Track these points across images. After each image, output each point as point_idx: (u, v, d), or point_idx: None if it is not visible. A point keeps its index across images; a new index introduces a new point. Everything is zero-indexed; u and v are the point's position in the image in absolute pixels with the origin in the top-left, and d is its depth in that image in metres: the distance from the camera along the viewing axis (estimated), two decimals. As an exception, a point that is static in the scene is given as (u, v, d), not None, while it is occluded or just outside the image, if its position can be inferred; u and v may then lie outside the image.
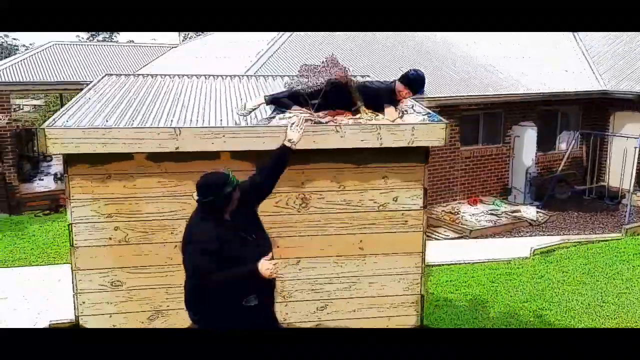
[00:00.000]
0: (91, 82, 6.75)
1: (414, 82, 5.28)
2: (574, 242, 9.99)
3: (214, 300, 3.90)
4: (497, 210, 13.08)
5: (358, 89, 5.28)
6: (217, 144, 4.87)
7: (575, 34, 17.77)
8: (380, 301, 5.50)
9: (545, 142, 14.62)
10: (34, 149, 15.58)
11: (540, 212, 12.98)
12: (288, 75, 5.96)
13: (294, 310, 5.40)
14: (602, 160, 15.05)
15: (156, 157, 4.96)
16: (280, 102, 5.41)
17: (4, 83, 13.98)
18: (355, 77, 5.57)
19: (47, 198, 13.84)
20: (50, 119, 5.03)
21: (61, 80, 14.67)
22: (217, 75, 7.27)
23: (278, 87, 6.31)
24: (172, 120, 5.16)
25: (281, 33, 13.60)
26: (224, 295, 3.90)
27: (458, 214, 12.86)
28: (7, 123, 13.81)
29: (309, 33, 13.67)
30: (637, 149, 12.96)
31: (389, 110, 5.25)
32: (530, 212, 12.84)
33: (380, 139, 5.05)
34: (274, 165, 4.38)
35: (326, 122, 5.06)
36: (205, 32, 18.61)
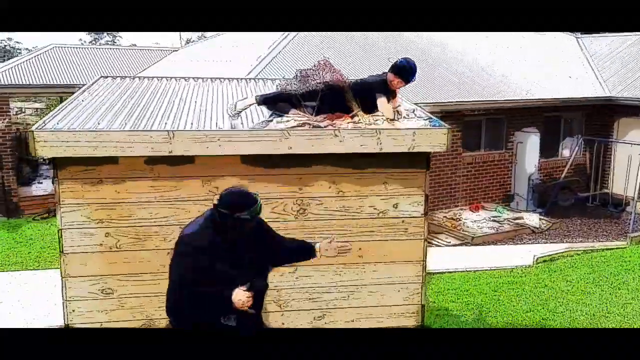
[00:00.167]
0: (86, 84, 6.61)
1: (404, 70, 5.17)
2: (578, 250, 9.81)
3: (194, 313, 3.76)
4: (500, 217, 12.92)
5: (352, 88, 5.14)
6: (212, 148, 4.72)
7: (580, 39, 17.66)
8: (379, 311, 5.34)
9: (548, 149, 14.47)
10: (33, 152, 15.40)
11: (543, 219, 12.82)
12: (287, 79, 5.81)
13: (290, 320, 5.23)
14: (606, 167, 14.88)
15: (149, 161, 4.81)
16: (271, 103, 5.29)
17: (3, 86, 13.86)
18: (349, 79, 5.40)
19: (45, 201, 13.71)
20: (41, 121, 4.88)
21: (62, 84, 14.55)
22: (215, 78, 7.13)
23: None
24: (166, 124, 5.01)
25: (282, 37, 13.51)
26: (204, 310, 3.76)
27: (460, 220, 12.71)
28: (6, 126, 13.70)
29: (309, 37, 13.56)
30: (642, 156, 12.82)
31: (381, 101, 5.14)
32: (532, 219, 12.68)
33: (380, 144, 4.89)
34: (293, 257, 4.37)
35: (325, 127, 4.91)
36: (207, 36, 18.56)
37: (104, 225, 4.91)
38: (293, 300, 5.20)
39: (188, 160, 4.78)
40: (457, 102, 12.76)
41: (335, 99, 5.07)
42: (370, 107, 5.18)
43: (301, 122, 4.92)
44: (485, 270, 8.83)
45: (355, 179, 5.13)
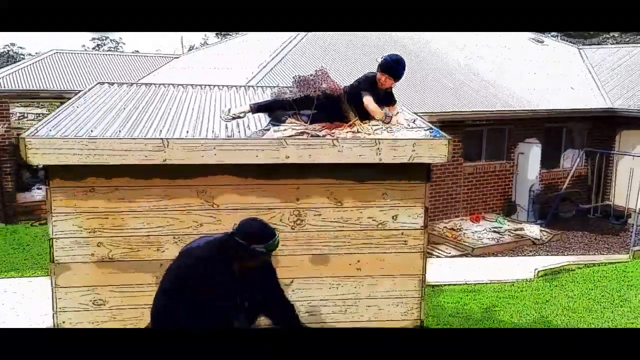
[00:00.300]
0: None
1: (388, 66, 5.09)
2: (579, 264, 9.68)
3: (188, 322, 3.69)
4: (500, 227, 12.81)
5: (346, 96, 5.04)
6: (208, 157, 4.61)
7: (582, 50, 17.60)
8: (377, 326, 5.21)
9: (549, 160, 14.39)
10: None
11: (544, 230, 12.71)
12: (282, 87, 5.72)
13: (286, 334, 5.11)
14: (608, 179, 14.79)
15: (143, 170, 4.69)
16: (265, 110, 5.22)
17: (3, 91, 13.80)
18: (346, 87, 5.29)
19: (44, 207, 13.59)
20: (33, 128, 4.77)
21: (63, 89, 14.48)
22: (214, 86, 7.02)
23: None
24: (160, 131, 4.90)
25: (284, 45, 13.45)
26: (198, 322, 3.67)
27: (460, 231, 12.60)
28: (5, 131, 13.62)
29: (311, 45, 13.50)
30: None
31: (367, 99, 5.05)
32: (533, 230, 12.57)
33: (380, 154, 4.78)
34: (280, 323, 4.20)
35: (323, 136, 4.80)
36: (210, 42, 18.53)
37: (96, 234, 4.80)
38: (298, 314, 5.07)
39: (183, 169, 4.67)
40: (458, 112, 12.68)
41: (331, 108, 4.97)
42: (365, 112, 5.08)
43: (299, 131, 4.82)
44: (486, 283, 8.70)
45: (353, 190, 5.02)
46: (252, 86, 7.68)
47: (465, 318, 7.21)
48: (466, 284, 8.69)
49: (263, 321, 4.24)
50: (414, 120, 5.39)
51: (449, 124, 12.41)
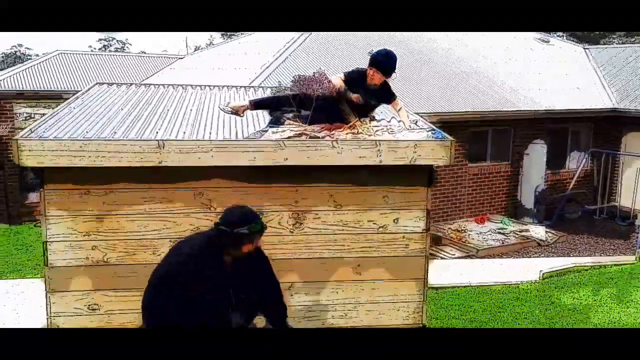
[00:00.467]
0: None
1: (377, 60, 4.91)
2: (585, 266, 9.54)
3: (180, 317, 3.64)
4: (505, 229, 12.68)
5: (345, 93, 4.94)
6: (205, 159, 4.52)
7: (588, 50, 17.45)
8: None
9: (555, 160, 14.23)
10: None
11: (549, 232, 12.57)
12: (282, 86, 5.62)
13: (285, 339, 5.01)
14: (614, 180, 14.63)
15: (138, 172, 4.60)
16: (264, 107, 5.15)
17: (4, 91, 13.75)
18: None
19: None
20: (27, 129, 4.69)
21: (66, 90, 14.42)
22: (213, 86, 6.93)
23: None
24: (157, 133, 4.81)
25: (287, 45, 13.36)
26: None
27: (465, 232, 12.47)
28: (9, 131, 13.55)
29: (314, 46, 13.40)
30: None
31: (354, 97, 4.95)
32: (539, 231, 12.43)
33: (380, 156, 4.68)
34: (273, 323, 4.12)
35: (322, 137, 4.70)
36: (215, 43, 18.49)
37: (90, 238, 4.72)
38: (288, 318, 4.96)
39: (179, 171, 4.57)
40: (462, 112, 12.53)
41: (330, 108, 4.87)
42: (367, 111, 5.00)
43: (298, 132, 4.72)
44: (490, 285, 8.58)
45: (354, 192, 4.92)
46: (253, 87, 7.59)
47: (469, 320, 7.10)
48: (470, 285, 8.56)
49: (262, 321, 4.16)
50: (416, 122, 5.28)
51: (453, 125, 12.34)
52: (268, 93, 6.39)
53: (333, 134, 4.79)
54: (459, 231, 12.46)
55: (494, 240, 12.11)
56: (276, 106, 5.06)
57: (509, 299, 7.84)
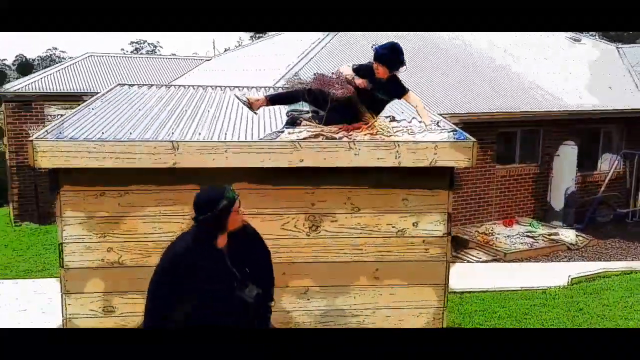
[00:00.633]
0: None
1: (379, 54, 4.82)
2: (616, 271, 9.27)
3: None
4: (534, 232, 12.41)
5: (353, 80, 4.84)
6: (219, 160, 4.45)
7: (620, 49, 17.04)
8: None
9: (586, 162, 13.91)
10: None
11: (579, 235, 12.27)
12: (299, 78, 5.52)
13: (301, 344, 4.91)
14: (647, 182, 14.27)
15: (153, 173, 4.56)
16: (280, 102, 5.08)
17: (36, 93, 13.95)
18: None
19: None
20: (43, 130, 4.68)
21: (96, 91, 14.52)
22: (233, 87, 6.88)
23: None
24: (172, 133, 4.76)
25: (312, 46, 13.29)
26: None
27: (492, 235, 12.24)
28: (41, 132, 13.71)
29: (339, 46, 13.30)
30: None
31: (360, 82, 4.86)
32: (569, 235, 12.14)
33: (399, 157, 4.56)
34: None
35: (339, 138, 4.59)
36: (244, 44, 18.52)
37: (106, 239, 4.69)
38: (304, 324, 4.88)
39: (194, 172, 4.51)
40: (490, 112, 12.31)
41: (346, 109, 4.76)
42: (377, 105, 4.91)
43: (314, 133, 4.62)
44: (517, 290, 8.38)
45: (372, 195, 4.80)
46: (273, 87, 7.52)
47: (493, 327, 6.93)
48: (495, 290, 8.37)
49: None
50: (438, 122, 5.14)
51: (481, 126, 12.14)
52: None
53: (351, 135, 4.69)
54: (486, 234, 12.24)
55: (522, 243, 11.86)
56: (291, 101, 4.96)
57: (535, 305, 7.64)
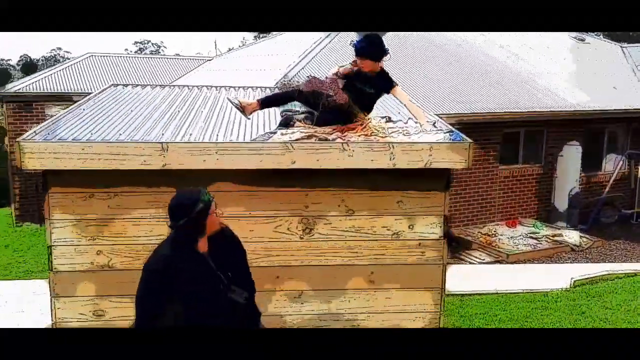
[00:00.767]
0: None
1: (358, 49, 4.77)
2: (620, 273, 9.14)
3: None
4: (537, 233, 12.28)
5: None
6: (209, 162, 4.36)
7: (625, 49, 16.91)
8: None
9: (590, 162, 13.75)
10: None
11: (583, 236, 12.13)
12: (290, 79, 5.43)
13: (295, 349, 4.82)
14: (653, 183, 14.11)
15: (143, 175, 4.47)
16: (273, 104, 4.97)
17: (37, 93, 13.92)
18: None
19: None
20: (31, 131, 4.60)
21: (94, 92, 14.47)
22: (229, 87, 6.79)
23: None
24: (163, 135, 4.67)
25: (313, 46, 13.19)
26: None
27: (495, 236, 12.12)
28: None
29: (339, 46, 13.20)
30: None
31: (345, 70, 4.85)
32: (572, 236, 12.00)
33: (393, 159, 4.46)
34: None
35: (332, 139, 4.50)
36: (248, 43, 18.44)
37: (95, 242, 4.61)
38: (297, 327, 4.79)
39: (184, 174, 4.41)
40: (493, 112, 12.19)
41: (340, 110, 4.67)
42: (366, 100, 4.82)
43: (307, 134, 4.53)
44: (518, 293, 8.26)
45: (367, 197, 4.70)
46: (269, 87, 7.41)
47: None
48: (497, 293, 8.26)
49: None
50: (434, 123, 5.04)
51: (484, 126, 12.03)
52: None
53: (345, 136, 4.60)
54: (489, 235, 12.12)
55: (525, 245, 11.74)
56: (284, 102, 4.87)
57: (536, 308, 7.52)
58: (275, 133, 4.62)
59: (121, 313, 4.68)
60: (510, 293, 8.27)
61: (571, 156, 13.09)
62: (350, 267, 4.77)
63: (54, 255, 4.60)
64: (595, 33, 19.37)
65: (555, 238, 12.03)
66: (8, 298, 8.26)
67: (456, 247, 11.42)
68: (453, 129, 4.85)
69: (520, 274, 9.73)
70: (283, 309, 4.75)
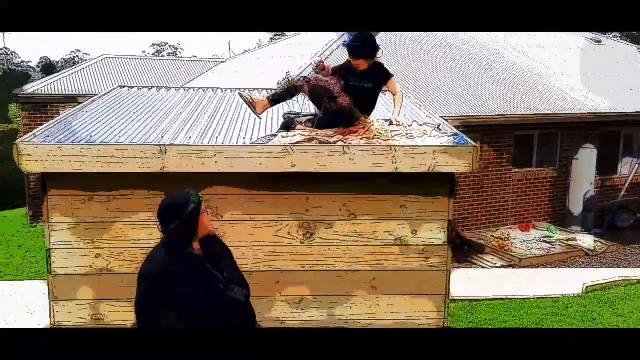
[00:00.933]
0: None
1: (352, 48, 4.72)
2: (633, 279, 8.95)
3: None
4: (551, 237, 12.10)
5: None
6: (208, 165, 4.30)
7: (642, 50, 16.66)
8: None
9: (605, 166, 13.53)
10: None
11: (598, 241, 11.93)
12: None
13: (296, 355, 4.74)
14: (670, 187, 13.86)
15: (142, 178, 4.42)
16: (281, 100, 4.90)
17: (51, 95, 13.99)
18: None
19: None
20: (31, 134, 4.57)
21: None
22: (235, 89, 6.73)
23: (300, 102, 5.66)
24: (162, 137, 4.62)
25: (325, 48, 13.11)
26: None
27: (508, 240, 11.96)
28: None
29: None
30: None
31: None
32: (587, 240, 11.80)
33: (396, 162, 4.37)
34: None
35: (333, 142, 4.42)
36: (263, 45, 18.41)
37: (94, 245, 4.56)
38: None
39: (183, 177, 4.36)
40: (506, 115, 12.03)
41: (341, 112, 4.59)
42: (367, 97, 4.77)
43: (308, 137, 4.45)
44: (529, 298, 8.12)
45: (369, 201, 4.62)
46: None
47: (502, 338, 6.69)
48: (508, 299, 8.12)
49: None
50: (439, 126, 4.94)
51: (497, 128, 11.88)
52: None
53: (347, 139, 4.51)
54: (502, 239, 11.96)
55: (538, 249, 11.57)
56: (290, 96, 4.83)
57: (547, 315, 7.38)
58: (275, 136, 4.55)
59: (120, 317, 4.63)
60: (521, 299, 8.13)
61: (586, 159, 12.87)
62: (352, 272, 4.68)
63: (53, 259, 4.56)
64: (612, 34, 19.11)
65: (569, 242, 11.84)
66: (19, 299, 8.26)
67: (468, 251, 11.29)
68: (458, 132, 4.75)
69: (532, 279, 9.59)
70: (283, 314, 4.68)
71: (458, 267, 10.04)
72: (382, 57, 4.82)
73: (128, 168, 4.29)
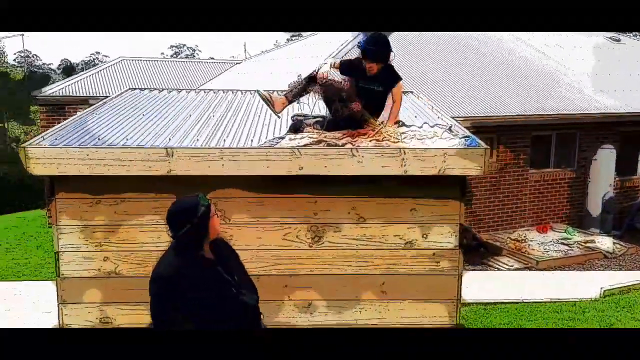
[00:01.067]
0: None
1: (366, 51, 4.61)
2: (652, 283, 8.80)
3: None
4: (569, 239, 11.93)
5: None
6: (215, 168, 4.26)
7: (663, 49, 16.38)
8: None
9: (625, 166, 13.32)
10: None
11: (617, 243, 11.75)
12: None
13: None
14: (691, 188, 13.62)
15: (150, 181, 4.40)
16: (299, 94, 4.84)
17: (70, 97, 14.09)
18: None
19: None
20: (39, 136, 4.57)
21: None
22: (245, 91, 6.70)
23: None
24: (169, 140, 4.59)
25: (340, 48, 13.06)
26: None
27: (525, 241, 11.81)
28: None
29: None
30: None
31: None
32: (605, 242, 11.63)
33: (405, 165, 4.30)
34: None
35: (342, 145, 4.36)
36: (276, 47, 18.41)
37: (102, 248, 4.55)
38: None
39: (190, 180, 4.33)
40: (524, 115, 11.89)
41: (349, 117, 4.53)
42: (376, 99, 4.72)
43: (316, 139, 4.40)
44: (545, 302, 7.99)
45: (378, 204, 4.55)
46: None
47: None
48: (523, 302, 8.00)
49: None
50: (450, 127, 4.86)
51: (514, 129, 11.75)
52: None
53: (356, 141, 4.45)
54: (518, 241, 11.82)
55: (556, 251, 11.41)
56: (304, 92, 4.78)
57: (563, 319, 7.25)
58: (283, 138, 4.51)
59: (128, 320, 4.62)
60: (537, 302, 8.01)
61: (605, 160, 12.68)
62: (362, 276, 4.62)
63: (61, 261, 4.55)
64: (633, 34, 18.83)
65: (588, 244, 11.67)
66: (37, 299, 8.30)
67: (484, 253, 11.17)
68: (469, 134, 4.67)
69: (549, 282, 9.45)
70: (292, 318, 4.63)
71: (472, 269, 9.93)
72: (394, 58, 4.73)
73: (135, 171, 4.27)
